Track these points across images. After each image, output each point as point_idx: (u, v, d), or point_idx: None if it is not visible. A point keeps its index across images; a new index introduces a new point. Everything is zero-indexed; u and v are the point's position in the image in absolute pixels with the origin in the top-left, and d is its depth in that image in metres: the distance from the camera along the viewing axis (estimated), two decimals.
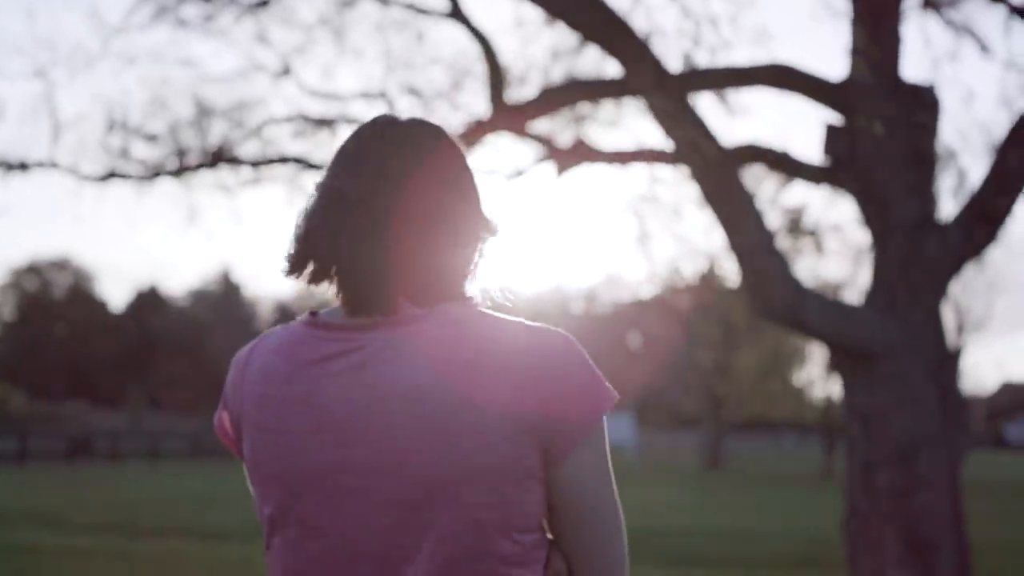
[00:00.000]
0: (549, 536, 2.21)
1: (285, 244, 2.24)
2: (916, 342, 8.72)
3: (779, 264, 8.83)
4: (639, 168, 10.81)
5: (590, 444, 2.15)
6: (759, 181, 26.24)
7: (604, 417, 2.18)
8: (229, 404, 2.29)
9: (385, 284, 2.14)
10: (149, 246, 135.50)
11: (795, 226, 36.96)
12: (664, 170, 11.57)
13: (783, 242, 35.35)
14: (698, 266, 45.14)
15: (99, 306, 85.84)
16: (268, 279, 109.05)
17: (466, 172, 2.29)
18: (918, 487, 8.58)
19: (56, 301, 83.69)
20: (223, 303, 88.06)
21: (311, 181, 2.31)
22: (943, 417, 8.77)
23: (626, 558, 2.26)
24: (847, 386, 9.08)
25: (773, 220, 34.29)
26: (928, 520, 8.55)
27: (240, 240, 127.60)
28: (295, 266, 2.22)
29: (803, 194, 65.36)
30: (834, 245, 38.81)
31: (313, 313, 2.26)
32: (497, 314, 2.19)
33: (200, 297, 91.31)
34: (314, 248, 2.19)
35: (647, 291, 58.03)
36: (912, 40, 21.42)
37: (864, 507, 8.76)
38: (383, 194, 2.16)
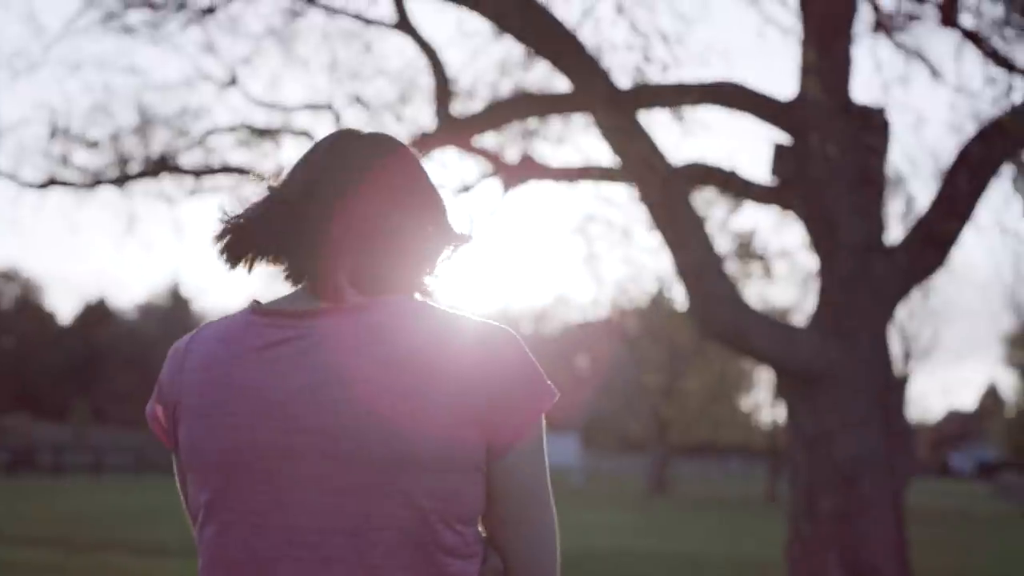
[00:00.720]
0: (483, 534, 2.22)
1: (219, 228, 2.22)
2: (861, 365, 8.68)
3: (725, 285, 8.79)
4: (587, 187, 10.79)
5: (530, 440, 2.17)
6: (709, 204, 26.31)
7: (543, 416, 2.19)
8: (165, 394, 2.25)
9: (329, 277, 2.15)
10: (99, 259, 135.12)
11: (745, 251, 37.08)
12: (612, 189, 11.54)
13: (732, 266, 35.50)
14: (646, 288, 45.16)
15: (47, 318, 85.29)
16: (217, 294, 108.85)
17: (419, 184, 2.31)
18: (860, 511, 8.54)
19: (3, 312, 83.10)
20: (171, 317, 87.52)
21: (254, 191, 2.25)
22: (887, 442, 8.73)
23: (558, 556, 2.27)
24: (791, 409, 9.04)
25: (723, 244, 34.42)
26: (870, 545, 8.50)
27: (189, 254, 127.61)
28: (227, 250, 2.22)
29: (753, 218, 65.74)
30: (783, 270, 39.00)
31: (256, 302, 2.25)
32: (444, 307, 2.20)
33: (148, 311, 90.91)
34: (246, 245, 2.22)
35: (595, 313, 57.97)
36: (863, 63, 21.53)
37: (807, 531, 8.71)
38: (323, 204, 2.19)
